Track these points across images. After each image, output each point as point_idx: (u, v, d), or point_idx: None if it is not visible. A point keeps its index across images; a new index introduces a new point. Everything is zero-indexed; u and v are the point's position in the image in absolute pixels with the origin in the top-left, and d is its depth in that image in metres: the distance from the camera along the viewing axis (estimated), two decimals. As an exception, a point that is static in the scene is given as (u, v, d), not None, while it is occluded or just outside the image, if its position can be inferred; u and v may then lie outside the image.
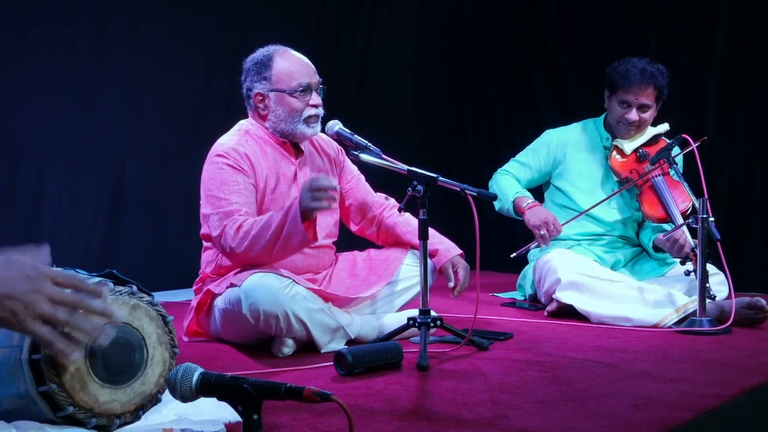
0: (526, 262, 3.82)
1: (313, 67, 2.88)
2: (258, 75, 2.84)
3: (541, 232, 3.39)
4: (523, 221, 3.55)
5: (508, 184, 3.67)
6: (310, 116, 2.83)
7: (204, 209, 2.77)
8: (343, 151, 3.08)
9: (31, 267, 1.27)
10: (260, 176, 2.80)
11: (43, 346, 1.36)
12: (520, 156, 3.79)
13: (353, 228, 3.14)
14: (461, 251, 2.97)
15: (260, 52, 2.89)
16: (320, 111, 2.85)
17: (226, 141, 2.84)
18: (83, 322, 1.30)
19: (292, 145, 2.91)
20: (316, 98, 2.84)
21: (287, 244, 2.58)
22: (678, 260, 3.36)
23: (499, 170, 3.79)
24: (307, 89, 2.82)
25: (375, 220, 3.09)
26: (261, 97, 2.85)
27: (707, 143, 3.43)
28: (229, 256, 2.71)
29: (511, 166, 3.78)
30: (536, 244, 3.45)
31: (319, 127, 2.87)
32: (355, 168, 3.12)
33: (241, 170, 2.74)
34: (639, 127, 3.54)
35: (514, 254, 3.45)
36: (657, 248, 3.50)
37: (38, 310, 1.25)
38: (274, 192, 2.83)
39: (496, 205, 3.65)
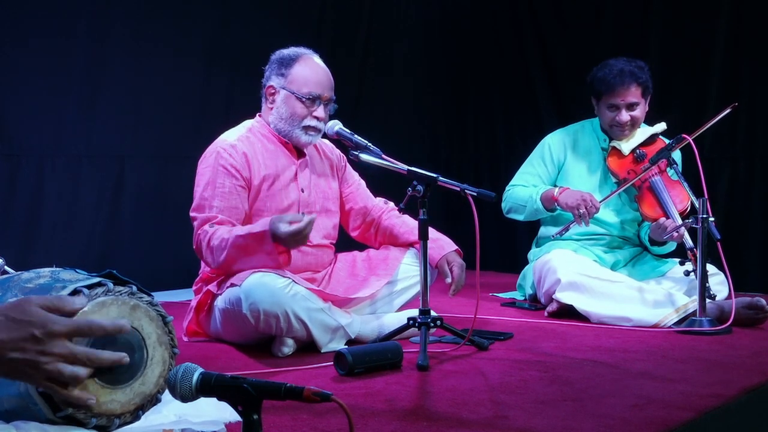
0: (526, 261, 3.82)
1: (332, 82, 2.90)
2: (278, 69, 2.89)
3: (580, 211, 3.34)
4: (549, 217, 3.60)
5: (525, 190, 3.63)
6: (309, 126, 2.85)
7: (191, 210, 2.81)
8: (345, 158, 3.09)
9: (40, 325, 1.26)
10: (256, 173, 2.82)
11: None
12: (524, 167, 3.75)
13: (353, 234, 3.16)
14: (456, 247, 2.97)
15: (290, 50, 2.93)
16: (321, 125, 2.86)
17: (226, 136, 2.89)
18: (90, 373, 1.32)
19: (294, 145, 2.93)
20: (321, 111, 2.86)
21: (261, 265, 2.62)
22: (678, 260, 3.36)
23: (508, 187, 3.73)
24: (315, 100, 2.84)
25: (373, 223, 3.10)
26: (273, 90, 2.90)
27: (707, 143, 3.42)
28: (209, 267, 2.78)
29: (519, 179, 3.72)
30: (575, 223, 3.40)
31: (317, 138, 2.91)
32: (356, 174, 3.14)
33: (231, 173, 2.76)
34: (633, 125, 3.54)
35: (554, 234, 3.47)
36: (652, 241, 3.51)
37: (46, 372, 1.26)
38: (271, 189, 2.84)
39: (520, 216, 3.63)
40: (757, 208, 4.38)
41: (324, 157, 3.07)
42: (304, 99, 2.83)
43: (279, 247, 2.60)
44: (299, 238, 2.53)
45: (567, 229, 3.42)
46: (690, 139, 3.33)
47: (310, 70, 2.87)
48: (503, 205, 3.71)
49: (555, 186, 3.61)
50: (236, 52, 4.35)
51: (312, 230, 2.90)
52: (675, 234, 3.29)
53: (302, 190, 2.91)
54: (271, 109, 2.90)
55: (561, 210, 3.48)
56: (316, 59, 2.92)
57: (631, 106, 3.50)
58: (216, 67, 4.38)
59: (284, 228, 2.51)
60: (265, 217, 2.80)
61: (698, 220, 3.07)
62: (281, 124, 2.87)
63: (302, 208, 2.89)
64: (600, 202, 3.41)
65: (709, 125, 3.38)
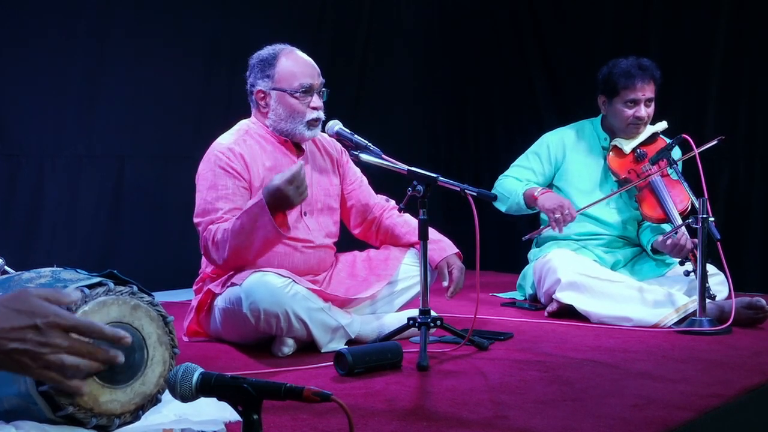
0: (526, 261, 3.82)
1: (317, 69, 2.88)
2: (262, 72, 2.84)
3: (556, 216, 3.35)
4: (532, 215, 3.59)
5: (514, 183, 3.64)
6: (311, 119, 2.83)
7: (194, 216, 2.78)
8: (346, 153, 3.08)
9: (42, 315, 1.25)
10: (256, 175, 2.80)
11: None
12: (520, 160, 3.75)
13: (354, 231, 3.15)
14: (457, 250, 2.97)
15: (267, 50, 2.89)
16: (321, 114, 2.85)
17: (223, 140, 2.85)
18: (89, 366, 1.31)
19: (293, 143, 2.92)
20: (317, 101, 2.84)
21: (264, 243, 2.61)
22: (678, 260, 3.36)
23: (501, 175, 3.74)
24: (308, 91, 2.82)
25: (374, 222, 3.09)
26: (263, 95, 2.86)
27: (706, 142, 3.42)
28: (219, 268, 2.75)
29: (513, 171, 3.72)
30: (549, 228, 3.40)
31: (319, 130, 2.88)
32: (358, 170, 3.12)
33: (231, 174, 2.75)
34: (647, 122, 3.54)
35: (526, 237, 3.47)
36: (655, 251, 3.50)
37: (46, 362, 1.25)
38: None
39: (502, 206, 3.64)
40: (757, 208, 4.38)
41: (324, 152, 3.05)
42: (297, 94, 2.81)
43: (278, 218, 2.57)
44: (298, 184, 2.49)
45: (539, 233, 3.44)
46: (697, 152, 3.30)
47: (293, 62, 2.83)
48: (494, 186, 3.74)
49: (551, 185, 3.64)
50: (236, 52, 4.34)
51: (315, 229, 2.91)
52: (687, 248, 3.23)
53: (304, 190, 2.90)
54: (266, 112, 2.86)
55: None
56: (297, 51, 2.89)
57: (648, 102, 3.50)
58: (216, 67, 4.38)
59: (278, 179, 2.49)
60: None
61: (698, 220, 3.07)
62: (282, 124, 2.84)
63: (304, 208, 2.89)
64: (596, 202, 3.41)
65: (698, 151, 3.32)
